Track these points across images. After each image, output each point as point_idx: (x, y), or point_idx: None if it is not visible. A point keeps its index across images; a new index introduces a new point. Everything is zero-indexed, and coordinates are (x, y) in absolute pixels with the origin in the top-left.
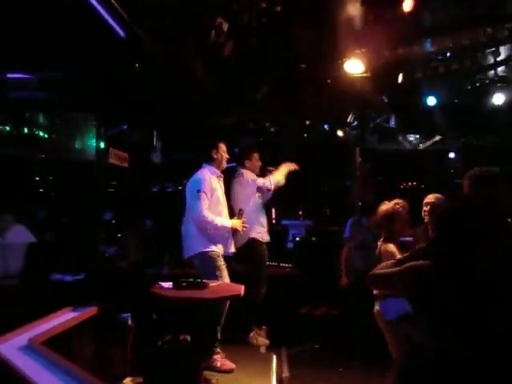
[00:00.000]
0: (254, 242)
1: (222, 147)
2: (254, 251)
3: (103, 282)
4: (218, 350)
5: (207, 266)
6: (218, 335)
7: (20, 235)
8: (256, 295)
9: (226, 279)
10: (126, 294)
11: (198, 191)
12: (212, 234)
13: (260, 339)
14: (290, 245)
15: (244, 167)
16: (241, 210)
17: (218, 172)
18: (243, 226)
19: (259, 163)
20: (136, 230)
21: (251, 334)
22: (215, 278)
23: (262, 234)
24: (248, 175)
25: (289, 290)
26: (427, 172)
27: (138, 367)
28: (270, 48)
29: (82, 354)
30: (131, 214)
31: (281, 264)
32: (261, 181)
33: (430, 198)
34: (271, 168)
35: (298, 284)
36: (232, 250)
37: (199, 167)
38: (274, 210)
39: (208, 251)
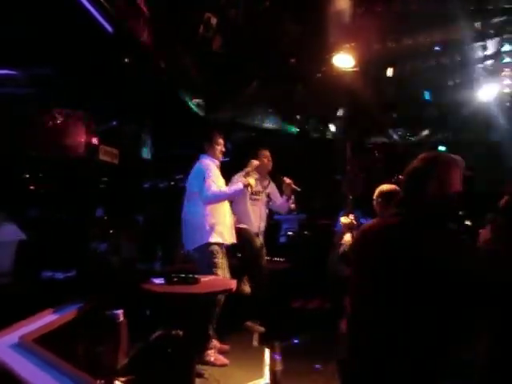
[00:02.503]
0: (241, 231)
1: (218, 140)
2: (243, 239)
3: (94, 278)
4: (212, 344)
5: (204, 260)
6: (211, 330)
7: (10, 233)
8: (257, 283)
9: (222, 275)
10: (117, 290)
11: (204, 177)
12: (213, 224)
13: (256, 326)
14: (282, 239)
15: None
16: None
17: (217, 162)
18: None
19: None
20: (128, 226)
21: (247, 323)
22: (210, 273)
23: (248, 226)
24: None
25: (281, 284)
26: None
27: (130, 363)
28: (258, 43)
29: (74, 350)
30: (123, 211)
31: (274, 258)
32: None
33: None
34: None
35: (290, 278)
36: (233, 240)
37: (194, 161)
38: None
39: (209, 244)
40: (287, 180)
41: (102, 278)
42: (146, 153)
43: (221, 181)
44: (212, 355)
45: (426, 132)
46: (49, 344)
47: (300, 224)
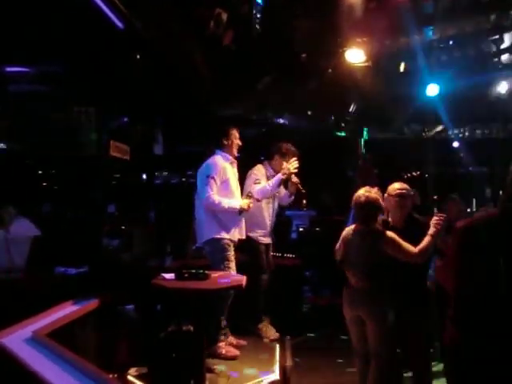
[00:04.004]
0: (248, 239)
1: (234, 133)
2: (248, 248)
3: (106, 274)
4: (223, 337)
5: (216, 254)
6: (222, 323)
7: (24, 228)
8: (256, 284)
9: (233, 270)
10: (129, 286)
11: (207, 176)
12: (223, 219)
13: (269, 331)
14: (293, 235)
15: (270, 160)
16: (250, 192)
17: (231, 158)
18: (249, 207)
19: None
20: (139, 222)
21: (260, 325)
22: (222, 267)
23: (257, 234)
24: (256, 174)
25: (293, 280)
26: (430, 162)
27: (142, 358)
28: (270, 38)
29: (86, 345)
30: (135, 207)
31: (285, 255)
32: (256, 186)
33: None
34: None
35: (301, 274)
36: (243, 236)
37: (206, 156)
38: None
39: (219, 239)
40: (294, 179)
41: (114, 274)
42: (157, 149)
43: (233, 179)
44: (223, 347)
45: (439, 128)
46: (62, 338)
47: (311, 220)
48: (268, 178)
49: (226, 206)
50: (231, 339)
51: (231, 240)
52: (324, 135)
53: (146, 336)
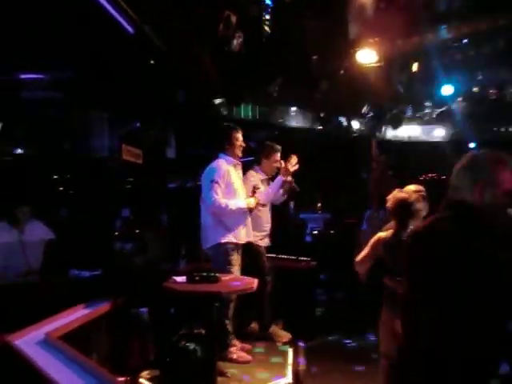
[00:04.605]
0: (248, 243)
1: (236, 135)
2: (248, 252)
3: (119, 277)
4: (234, 342)
5: (219, 258)
6: (229, 327)
7: (39, 231)
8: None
9: (237, 273)
10: (142, 289)
11: (211, 181)
12: (228, 223)
13: (281, 334)
14: (308, 238)
15: (259, 164)
16: (255, 186)
17: (235, 161)
18: (257, 204)
19: (277, 165)
20: (153, 225)
21: (271, 329)
22: (225, 271)
23: (256, 238)
24: (253, 180)
25: (307, 284)
26: (447, 163)
27: (154, 361)
28: (280, 40)
29: (99, 348)
30: (149, 210)
31: (299, 257)
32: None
33: None
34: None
35: (316, 277)
36: (251, 238)
37: (215, 159)
38: (292, 204)
39: (224, 243)
40: (289, 178)
41: (127, 277)
42: (170, 152)
43: (238, 182)
44: (235, 352)
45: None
46: (74, 341)
47: (325, 223)
48: (262, 182)
49: (234, 208)
50: (235, 342)
51: (237, 244)
52: (337, 137)
53: (159, 339)
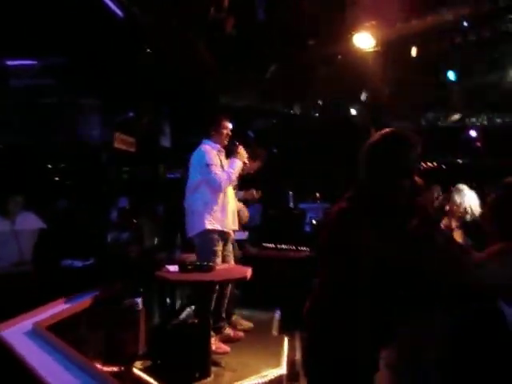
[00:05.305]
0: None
1: (224, 123)
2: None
3: (113, 267)
4: (213, 333)
5: (205, 247)
6: (221, 316)
7: (30, 221)
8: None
9: (219, 263)
10: (136, 278)
11: (207, 165)
12: (217, 210)
13: (242, 322)
14: (307, 228)
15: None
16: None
17: (219, 146)
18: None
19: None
20: (149, 215)
21: (233, 318)
22: (209, 260)
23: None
24: (210, 150)
25: (305, 273)
26: (446, 152)
27: (148, 350)
28: (275, 24)
29: (92, 337)
30: (146, 200)
31: (298, 247)
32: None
33: None
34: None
35: (313, 267)
36: (236, 227)
37: (198, 145)
38: (291, 194)
39: (211, 230)
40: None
41: (121, 267)
42: (164, 140)
43: (224, 166)
44: (213, 343)
45: (456, 116)
46: (63, 331)
47: (325, 213)
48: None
49: (235, 170)
50: (228, 331)
51: (222, 232)
52: (335, 125)
53: (152, 328)
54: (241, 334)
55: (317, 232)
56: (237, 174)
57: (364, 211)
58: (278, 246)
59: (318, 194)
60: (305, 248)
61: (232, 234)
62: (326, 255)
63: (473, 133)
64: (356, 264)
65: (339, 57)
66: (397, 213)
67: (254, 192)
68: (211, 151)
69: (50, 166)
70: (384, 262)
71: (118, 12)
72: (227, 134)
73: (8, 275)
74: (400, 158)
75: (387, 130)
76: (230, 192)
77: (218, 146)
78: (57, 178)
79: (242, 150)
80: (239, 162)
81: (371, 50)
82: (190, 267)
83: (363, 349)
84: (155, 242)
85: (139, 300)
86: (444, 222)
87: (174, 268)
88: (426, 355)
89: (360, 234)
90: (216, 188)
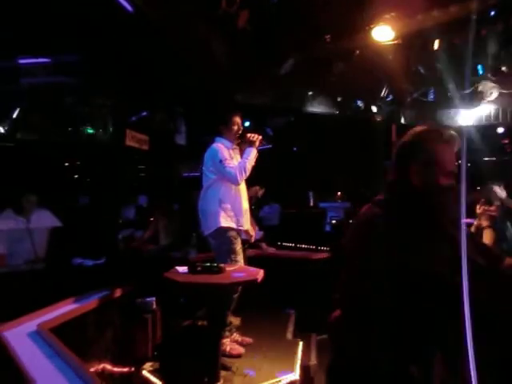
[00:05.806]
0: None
1: (235, 119)
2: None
3: (126, 266)
4: (228, 333)
5: (221, 246)
6: (228, 319)
7: (45, 219)
8: None
9: (241, 263)
10: (149, 277)
11: (221, 161)
12: (228, 208)
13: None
14: (327, 228)
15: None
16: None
17: (232, 144)
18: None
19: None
20: (166, 213)
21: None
22: (228, 261)
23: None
24: (223, 148)
25: (325, 274)
26: (472, 150)
27: (158, 353)
28: (290, 19)
29: (101, 338)
30: (162, 198)
31: (318, 247)
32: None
33: None
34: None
35: (332, 268)
36: (248, 227)
37: (211, 143)
38: (311, 193)
39: (226, 227)
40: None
41: (135, 266)
42: (179, 138)
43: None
44: (227, 344)
45: (485, 113)
46: (70, 332)
47: (346, 212)
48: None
49: (252, 161)
50: (235, 336)
51: (238, 230)
52: (355, 123)
53: (165, 330)
54: (249, 339)
55: (338, 233)
56: (252, 163)
57: (397, 220)
58: (297, 245)
59: (339, 193)
60: (325, 248)
61: (249, 234)
62: (356, 262)
63: (500, 129)
64: (387, 277)
65: (357, 51)
66: (436, 221)
67: (258, 188)
68: (224, 148)
69: (66, 164)
70: (415, 276)
71: (129, 8)
72: (238, 131)
73: (22, 273)
74: (437, 157)
75: (420, 126)
76: (244, 191)
77: (231, 143)
78: (76, 176)
79: (250, 135)
80: (254, 150)
81: (390, 42)
82: (199, 268)
83: (393, 364)
84: (170, 241)
85: (153, 300)
86: (475, 223)
87: (182, 269)
88: None
89: (394, 248)
90: (233, 181)
